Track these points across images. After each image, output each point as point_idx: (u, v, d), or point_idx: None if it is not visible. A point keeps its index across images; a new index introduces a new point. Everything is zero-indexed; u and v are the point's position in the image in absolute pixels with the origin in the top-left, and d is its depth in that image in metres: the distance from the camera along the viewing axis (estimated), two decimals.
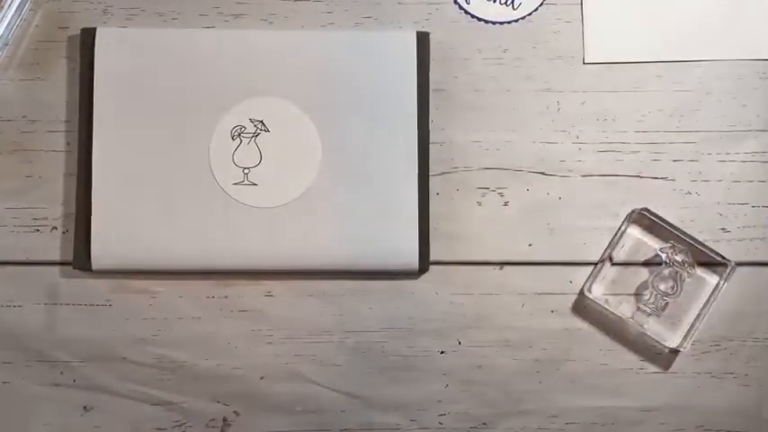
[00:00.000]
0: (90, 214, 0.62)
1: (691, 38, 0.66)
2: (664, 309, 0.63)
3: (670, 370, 0.64)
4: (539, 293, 0.65)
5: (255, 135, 0.63)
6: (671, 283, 0.63)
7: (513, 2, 0.66)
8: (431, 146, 0.64)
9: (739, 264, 0.64)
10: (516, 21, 0.66)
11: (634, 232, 0.65)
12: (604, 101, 0.65)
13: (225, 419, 0.64)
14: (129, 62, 0.63)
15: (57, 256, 0.64)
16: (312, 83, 0.63)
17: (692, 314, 0.64)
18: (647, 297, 0.63)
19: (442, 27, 0.65)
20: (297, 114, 0.63)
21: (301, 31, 0.65)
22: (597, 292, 0.64)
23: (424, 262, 0.63)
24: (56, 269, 0.64)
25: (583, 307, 0.64)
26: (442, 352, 0.65)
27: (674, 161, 0.65)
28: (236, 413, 0.64)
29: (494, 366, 0.64)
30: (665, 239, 0.64)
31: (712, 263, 0.64)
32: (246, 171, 0.63)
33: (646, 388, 0.64)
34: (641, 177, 0.65)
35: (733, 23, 0.66)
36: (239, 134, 0.63)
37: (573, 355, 0.64)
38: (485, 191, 0.65)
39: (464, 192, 0.65)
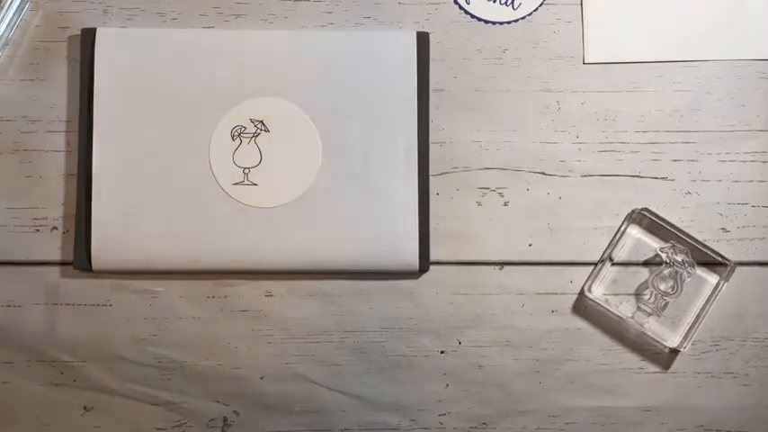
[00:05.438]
0: (90, 214, 0.62)
1: (690, 38, 0.66)
2: (664, 308, 0.63)
3: (670, 370, 0.64)
4: (539, 293, 0.65)
5: (255, 135, 0.63)
6: (671, 282, 0.63)
7: (513, 2, 0.66)
8: (431, 146, 0.64)
9: (739, 264, 0.64)
10: (516, 21, 0.66)
11: (634, 232, 0.65)
12: (604, 101, 0.65)
13: (225, 419, 0.64)
14: (129, 62, 0.63)
15: (57, 256, 0.64)
16: (312, 83, 0.63)
17: (692, 314, 0.64)
18: (648, 297, 0.63)
19: (442, 27, 0.65)
20: (297, 114, 0.63)
21: (301, 31, 0.65)
22: (597, 292, 0.64)
23: (424, 262, 0.63)
24: (56, 269, 0.64)
25: (583, 307, 0.64)
26: (442, 352, 0.65)
27: (674, 161, 0.65)
28: (236, 413, 0.64)
29: (494, 366, 0.64)
30: (665, 239, 0.64)
31: (712, 263, 0.64)
32: (246, 171, 0.63)
33: (646, 388, 0.64)
34: (641, 177, 0.65)
35: (733, 23, 0.66)
36: (239, 134, 0.63)
37: (573, 355, 0.64)
38: (485, 191, 0.65)
39: (464, 192, 0.65)
